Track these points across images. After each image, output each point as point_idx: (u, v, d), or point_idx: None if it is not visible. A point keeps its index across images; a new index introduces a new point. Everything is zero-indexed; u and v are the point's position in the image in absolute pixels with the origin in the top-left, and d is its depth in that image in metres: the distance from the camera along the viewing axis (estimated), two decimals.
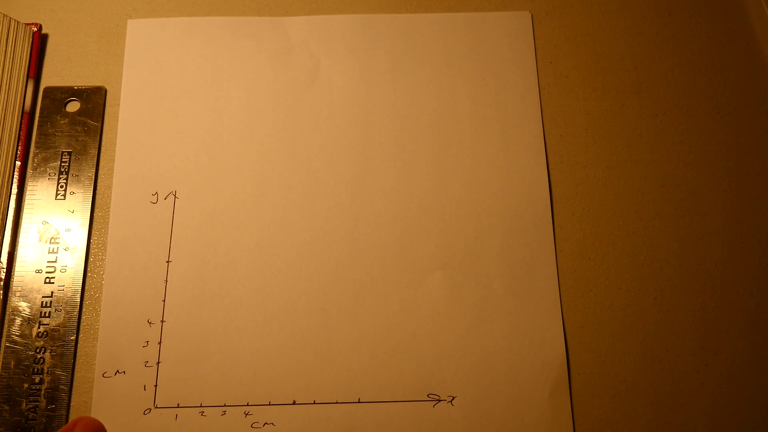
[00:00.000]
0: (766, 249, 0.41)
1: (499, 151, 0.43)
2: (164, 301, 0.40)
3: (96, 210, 0.43)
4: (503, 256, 0.41)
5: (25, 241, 0.41)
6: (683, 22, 0.46)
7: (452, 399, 0.39)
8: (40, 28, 0.46)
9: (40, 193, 0.42)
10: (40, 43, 0.46)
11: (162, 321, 0.40)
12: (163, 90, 0.44)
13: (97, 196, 0.43)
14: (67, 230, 0.42)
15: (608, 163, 0.43)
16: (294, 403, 0.38)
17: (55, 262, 0.41)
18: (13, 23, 0.45)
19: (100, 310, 0.40)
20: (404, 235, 0.42)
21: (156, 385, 0.39)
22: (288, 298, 0.40)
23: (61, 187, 0.42)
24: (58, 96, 0.44)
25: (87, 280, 0.41)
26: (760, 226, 0.42)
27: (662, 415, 0.38)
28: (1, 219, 0.42)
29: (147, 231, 0.41)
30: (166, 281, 0.40)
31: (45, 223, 0.41)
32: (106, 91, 0.45)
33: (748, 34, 0.46)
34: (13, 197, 0.42)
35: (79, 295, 0.40)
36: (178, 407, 0.38)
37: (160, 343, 0.39)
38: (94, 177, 0.43)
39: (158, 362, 0.39)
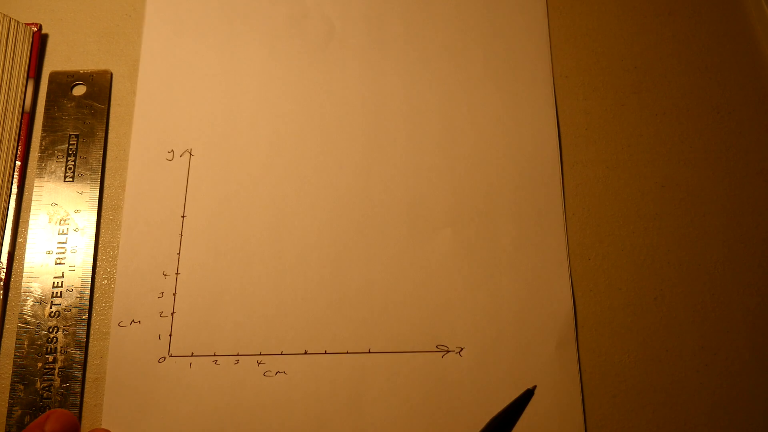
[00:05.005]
0: (766, 249, 0.41)
1: (509, 112, 0.44)
2: (179, 254, 0.41)
3: (105, 191, 0.43)
4: (512, 212, 0.42)
5: (35, 223, 0.42)
6: (683, 22, 0.46)
7: (461, 350, 0.39)
8: (40, 28, 0.46)
9: (49, 176, 0.43)
10: (40, 43, 0.46)
11: (177, 273, 0.41)
12: (181, 51, 0.46)
13: (106, 178, 0.43)
14: (77, 211, 0.42)
15: (608, 163, 0.43)
16: (305, 353, 0.39)
17: (66, 243, 0.41)
18: (13, 23, 0.45)
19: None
20: (415, 192, 0.42)
21: (171, 335, 0.40)
22: (300, 252, 0.41)
23: (70, 169, 0.43)
24: (64, 80, 0.45)
25: (98, 259, 0.42)
26: (760, 226, 0.42)
27: (662, 415, 0.38)
28: (1, 219, 0.42)
29: (162, 187, 0.43)
30: (181, 235, 0.42)
31: (54, 204, 0.42)
32: (111, 74, 0.45)
33: (748, 34, 0.46)
34: (13, 197, 0.42)
35: (90, 274, 0.41)
36: (192, 356, 0.39)
37: (174, 294, 0.40)
38: (101, 159, 0.43)
39: (173, 313, 0.40)
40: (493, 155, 0.43)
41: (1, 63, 0.44)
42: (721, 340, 0.40)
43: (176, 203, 0.42)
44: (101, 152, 0.44)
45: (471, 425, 0.38)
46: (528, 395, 0.33)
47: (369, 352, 0.39)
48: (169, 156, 0.43)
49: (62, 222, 0.42)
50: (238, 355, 0.39)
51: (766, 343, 0.40)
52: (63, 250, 0.41)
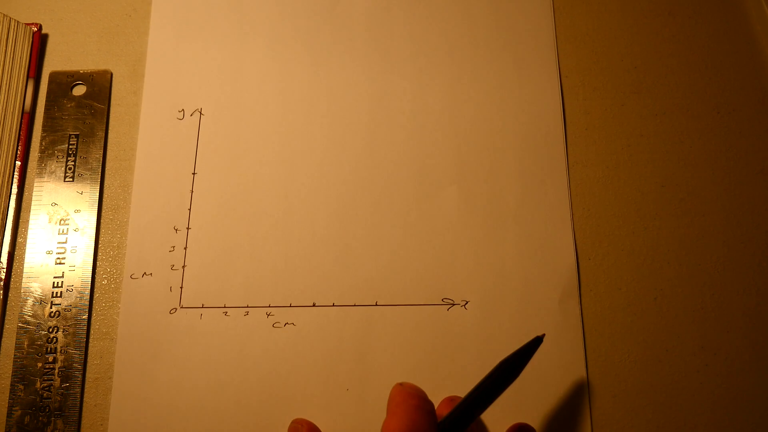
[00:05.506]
0: (766, 249, 0.41)
1: (513, 71, 0.45)
2: (190, 209, 0.42)
3: (105, 191, 0.43)
4: (516, 170, 0.43)
5: (35, 223, 0.42)
6: (683, 22, 0.46)
7: (466, 303, 0.40)
8: (40, 28, 0.46)
9: (49, 176, 0.43)
10: (40, 43, 0.46)
11: (188, 228, 0.42)
12: (190, 13, 0.46)
13: (106, 178, 0.43)
14: (77, 211, 0.42)
15: (608, 163, 0.43)
16: (314, 305, 0.40)
17: (66, 243, 0.41)
18: (13, 23, 0.45)
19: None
20: (420, 151, 0.43)
21: (182, 287, 0.41)
22: (309, 207, 0.42)
23: (70, 169, 0.43)
24: (64, 80, 0.45)
25: (98, 259, 0.42)
26: (760, 226, 0.42)
27: (662, 415, 0.38)
28: (1, 219, 0.42)
29: (173, 145, 0.44)
30: (192, 191, 0.43)
31: (54, 204, 0.42)
32: (111, 74, 0.45)
33: (748, 34, 0.46)
34: (13, 197, 0.42)
35: (90, 274, 0.41)
36: (202, 307, 0.40)
37: (185, 248, 0.41)
38: (102, 158, 0.43)
39: (184, 266, 0.41)
40: (496, 114, 0.44)
41: (1, 63, 0.44)
42: (721, 340, 0.40)
43: (187, 160, 0.43)
44: (101, 152, 0.44)
45: (475, 376, 0.38)
46: (537, 342, 0.34)
47: (376, 305, 0.40)
48: (180, 115, 0.44)
49: (62, 222, 0.42)
50: (247, 306, 0.40)
51: (766, 343, 0.40)
52: (63, 250, 0.41)
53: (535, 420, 0.38)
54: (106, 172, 0.44)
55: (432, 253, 0.41)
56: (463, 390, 0.38)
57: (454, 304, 0.40)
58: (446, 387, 0.39)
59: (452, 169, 0.43)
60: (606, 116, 0.44)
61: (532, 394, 0.39)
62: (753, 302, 0.40)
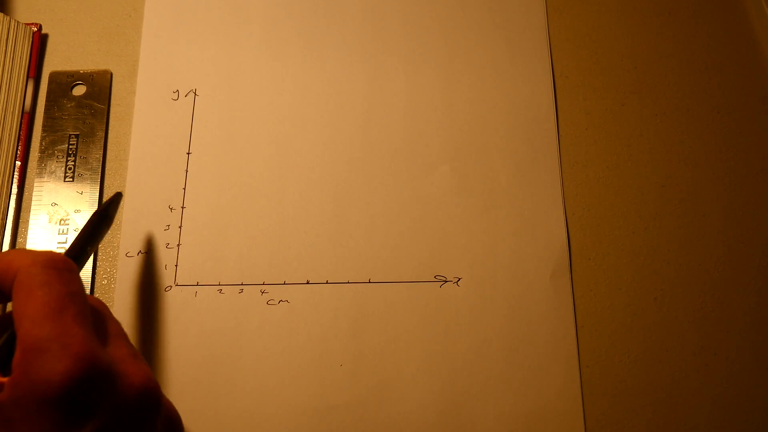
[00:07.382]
0: (766, 249, 0.41)
1: (504, 54, 0.45)
2: (184, 188, 0.43)
3: (105, 191, 0.43)
4: (508, 148, 0.43)
5: (35, 223, 0.42)
6: (683, 22, 0.46)
7: (458, 280, 0.41)
8: (40, 28, 0.46)
9: (49, 176, 0.43)
10: (40, 43, 0.46)
11: (182, 207, 0.42)
12: None
13: (106, 178, 0.43)
14: (77, 211, 0.42)
15: (608, 163, 0.43)
16: (308, 283, 0.41)
17: (66, 243, 0.41)
18: (13, 23, 0.45)
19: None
20: (413, 131, 0.44)
21: (176, 265, 0.41)
22: (303, 186, 0.43)
23: (70, 169, 0.43)
24: (64, 80, 0.45)
25: (98, 259, 0.42)
26: (760, 226, 0.42)
27: (662, 415, 0.38)
28: (1, 219, 0.42)
29: (168, 125, 0.44)
30: (187, 171, 0.43)
31: (54, 204, 0.42)
32: (111, 74, 0.45)
33: (748, 34, 0.46)
34: (13, 197, 0.42)
35: (90, 274, 0.41)
36: (197, 285, 0.41)
37: (180, 227, 0.42)
38: (102, 158, 0.43)
39: (178, 244, 0.41)
40: (488, 94, 0.44)
41: (1, 63, 0.44)
42: (721, 340, 0.40)
43: (182, 141, 0.44)
44: (101, 152, 0.44)
45: (467, 352, 0.39)
46: (117, 197, 0.37)
47: (369, 282, 0.41)
48: (174, 96, 0.45)
49: (62, 222, 0.42)
50: (242, 284, 0.41)
51: (766, 343, 0.40)
52: (63, 251, 0.41)
53: (523, 395, 0.38)
54: (106, 172, 0.44)
55: (424, 231, 0.42)
56: (456, 370, 0.39)
57: (446, 281, 0.41)
58: (439, 362, 0.39)
59: (445, 148, 0.43)
60: (606, 116, 0.44)
61: (523, 368, 0.39)
62: (753, 302, 0.40)
